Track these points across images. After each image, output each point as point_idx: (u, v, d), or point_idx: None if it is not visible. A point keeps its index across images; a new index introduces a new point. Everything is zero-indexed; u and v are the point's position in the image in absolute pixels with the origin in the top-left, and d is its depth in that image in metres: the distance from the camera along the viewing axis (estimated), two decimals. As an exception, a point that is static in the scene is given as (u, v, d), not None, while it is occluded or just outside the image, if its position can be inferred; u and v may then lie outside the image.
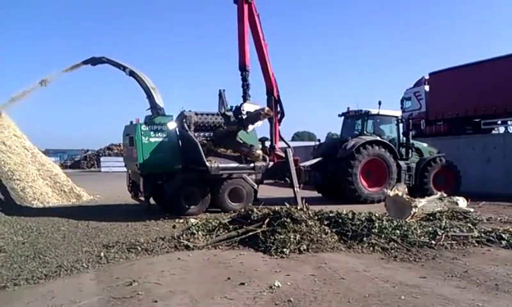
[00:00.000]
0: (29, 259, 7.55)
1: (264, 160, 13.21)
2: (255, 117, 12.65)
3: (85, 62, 14.75)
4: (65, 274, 6.64)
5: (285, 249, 7.66)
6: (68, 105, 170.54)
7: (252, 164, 12.80)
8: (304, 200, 11.54)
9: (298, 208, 9.40)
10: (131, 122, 13.19)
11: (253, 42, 14.57)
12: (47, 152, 37.42)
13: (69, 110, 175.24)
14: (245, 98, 13.14)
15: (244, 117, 12.60)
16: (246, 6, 13.52)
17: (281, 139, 15.75)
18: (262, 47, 14.67)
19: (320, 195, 17.67)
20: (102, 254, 7.76)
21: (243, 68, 13.30)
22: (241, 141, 13.14)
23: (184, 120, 12.81)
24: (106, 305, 5.21)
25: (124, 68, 13.99)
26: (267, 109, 12.75)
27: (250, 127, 12.96)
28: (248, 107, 12.73)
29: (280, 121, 15.55)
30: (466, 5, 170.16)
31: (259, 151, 12.87)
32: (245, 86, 13.28)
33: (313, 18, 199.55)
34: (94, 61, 14.59)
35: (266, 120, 15.38)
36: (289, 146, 14.91)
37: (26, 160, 17.34)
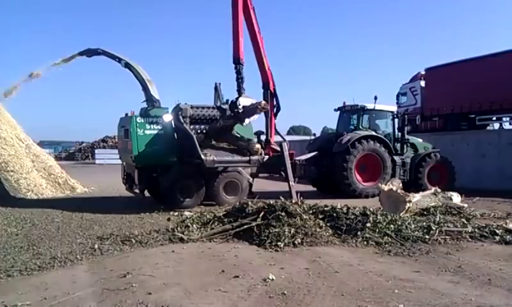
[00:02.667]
0: (23, 250, 7.54)
1: (260, 153, 13.16)
2: (251, 111, 12.61)
3: (81, 53, 14.65)
4: (59, 265, 6.64)
5: (279, 243, 7.67)
6: (63, 96, 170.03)
7: (247, 158, 12.76)
8: (299, 194, 11.54)
9: (293, 201, 9.42)
10: (126, 114, 13.15)
11: (249, 35, 14.51)
12: (42, 144, 37.20)
13: (64, 102, 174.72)
14: (240, 92, 13.05)
15: (240, 111, 12.56)
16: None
17: (277, 132, 15.74)
18: (258, 40, 14.58)
19: (315, 189, 17.71)
20: (96, 246, 7.76)
21: (237, 61, 13.15)
22: (239, 135, 13.09)
23: (180, 113, 12.76)
24: (100, 297, 5.20)
25: (120, 60, 13.92)
26: (263, 102, 12.70)
27: (246, 121, 12.94)
28: (244, 101, 12.68)
29: (275, 115, 15.54)
30: (463, 1, 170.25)
31: (258, 145, 12.80)
32: (239, 80, 13.15)
33: (310, 12, 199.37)
34: (90, 53, 14.50)
35: (262, 114, 15.42)
36: (285, 140, 14.90)
37: (21, 151, 17.27)
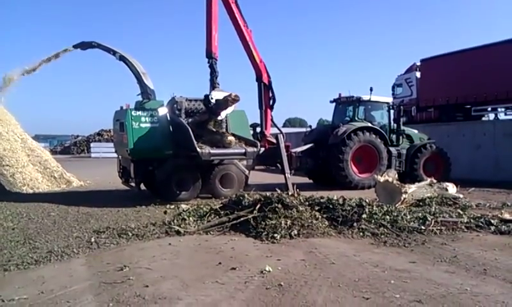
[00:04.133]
0: (19, 244, 7.52)
1: (255, 146, 13.06)
2: (224, 103, 12.49)
3: (75, 46, 14.61)
4: (56, 259, 6.63)
5: (276, 235, 7.69)
6: (58, 90, 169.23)
7: (243, 150, 12.74)
8: (295, 186, 11.56)
9: (289, 193, 9.42)
10: (121, 107, 13.09)
11: (234, 30, 14.50)
12: (37, 138, 37.07)
13: (59, 96, 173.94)
14: (214, 86, 13.00)
15: (212, 104, 12.49)
16: None
17: (274, 125, 15.73)
18: (244, 34, 14.52)
19: (311, 181, 17.72)
20: (93, 239, 7.75)
21: (209, 55, 13.12)
22: (214, 130, 12.96)
23: (175, 106, 12.73)
24: (97, 290, 5.20)
25: (114, 53, 13.86)
26: (234, 94, 12.48)
27: (222, 114, 12.76)
28: (217, 95, 12.59)
29: (271, 107, 15.52)
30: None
31: (230, 138, 12.59)
32: (213, 74, 13.14)
33: (305, 4, 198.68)
34: (84, 46, 14.45)
35: (257, 107, 15.40)
36: (281, 132, 14.89)
37: (16, 146, 17.20)
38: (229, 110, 12.74)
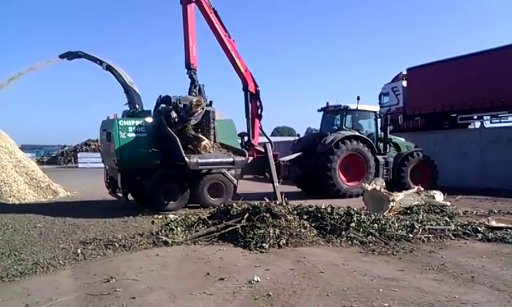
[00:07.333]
0: (4, 256, 7.42)
1: (243, 155, 13.00)
2: (189, 109, 12.45)
3: (61, 56, 14.54)
4: (41, 271, 6.54)
5: (264, 244, 7.67)
6: (45, 100, 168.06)
7: (231, 159, 12.69)
8: (283, 195, 11.55)
9: (277, 202, 9.41)
10: (108, 117, 13.03)
11: (217, 40, 14.56)
12: (24, 148, 36.71)
13: (46, 106, 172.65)
14: (190, 95, 13.15)
15: (181, 110, 12.47)
16: (190, 7, 13.51)
17: (263, 133, 15.73)
18: (226, 44, 14.58)
19: (299, 190, 17.74)
20: (79, 250, 7.66)
21: (188, 66, 13.43)
22: (191, 135, 12.91)
23: (162, 116, 12.67)
24: (83, 302, 5.14)
25: (101, 63, 13.84)
26: (195, 99, 12.44)
27: (193, 118, 12.70)
28: (186, 100, 12.63)
29: (259, 116, 15.51)
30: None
31: (204, 142, 12.53)
32: (192, 84, 13.41)
33: (293, 13, 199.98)
34: (70, 56, 14.39)
35: (244, 116, 15.38)
36: (270, 141, 14.89)
37: (2, 157, 17.01)
38: (197, 115, 12.60)
